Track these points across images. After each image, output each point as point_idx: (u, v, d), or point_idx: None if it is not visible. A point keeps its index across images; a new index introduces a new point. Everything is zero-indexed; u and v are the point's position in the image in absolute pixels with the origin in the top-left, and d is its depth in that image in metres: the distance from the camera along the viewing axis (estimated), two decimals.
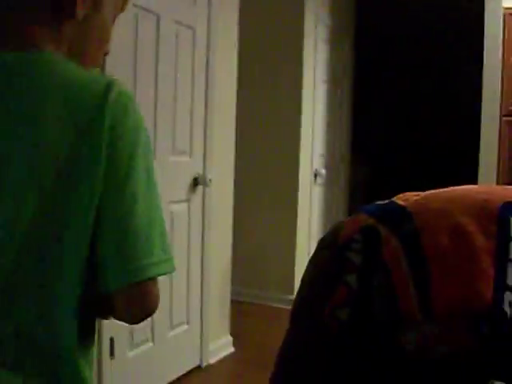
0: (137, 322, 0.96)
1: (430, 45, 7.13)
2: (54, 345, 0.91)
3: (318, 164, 4.88)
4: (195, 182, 3.12)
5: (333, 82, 5.16)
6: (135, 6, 2.63)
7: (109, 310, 0.95)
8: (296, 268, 4.53)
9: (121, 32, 2.53)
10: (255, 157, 4.55)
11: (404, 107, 7.43)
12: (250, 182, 4.51)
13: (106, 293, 0.90)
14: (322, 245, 1.04)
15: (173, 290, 2.99)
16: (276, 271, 4.59)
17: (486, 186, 1.07)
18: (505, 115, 4.65)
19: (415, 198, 1.05)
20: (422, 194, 1.05)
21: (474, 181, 4.74)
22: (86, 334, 0.95)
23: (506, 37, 4.66)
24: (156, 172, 0.95)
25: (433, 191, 1.06)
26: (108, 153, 0.87)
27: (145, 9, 2.70)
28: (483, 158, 4.67)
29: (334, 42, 5.12)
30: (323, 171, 4.89)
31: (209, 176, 3.17)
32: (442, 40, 6.97)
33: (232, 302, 3.66)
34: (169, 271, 0.93)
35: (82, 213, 0.87)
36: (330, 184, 5.18)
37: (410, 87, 7.43)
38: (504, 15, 4.67)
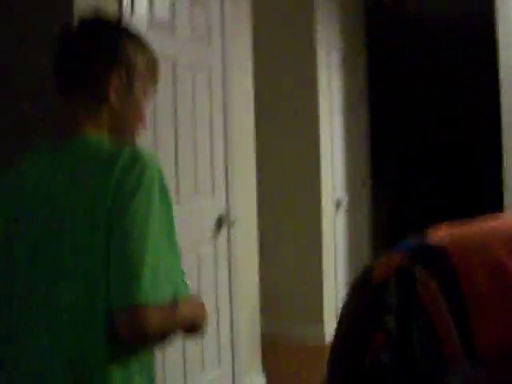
0: (132, 342, 1.13)
1: (444, 59, 7.12)
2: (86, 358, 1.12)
3: (340, 192, 4.86)
4: (219, 222, 3.12)
5: (348, 107, 5.16)
6: None
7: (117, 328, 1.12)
8: (324, 297, 4.48)
9: None
10: (277, 189, 4.54)
11: (422, 127, 7.39)
12: (273, 215, 4.50)
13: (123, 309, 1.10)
14: (355, 287, 1.02)
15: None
16: (304, 302, 4.54)
17: None
18: None
19: (450, 232, 1.02)
20: (457, 228, 1.01)
21: (500, 200, 4.66)
22: (118, 348, 1.14)
23: None
24: (173, 215, 1.19)
25: (470, 223, 1.03)
26: (114, 201, 1.11)
27: (160, 53, 2.74)
28: (507, 172, 4.61)
29: (347, 67, 5.14)
30: (345, 199, 4.86)
31: (233, 215, 3.17)
32: (456, 53, 6.96)
33: (262, 335, 3.62)
34: (157, 301, 1.09)
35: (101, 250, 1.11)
36: (352, 211, 5.15)
37: (426, 107, 7.40)
38: None
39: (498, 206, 4.69)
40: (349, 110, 5.16)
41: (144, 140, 2.62)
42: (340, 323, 0.96)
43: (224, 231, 3.17)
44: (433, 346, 0.83)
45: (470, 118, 7.06)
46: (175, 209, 2.51)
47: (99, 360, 1.12)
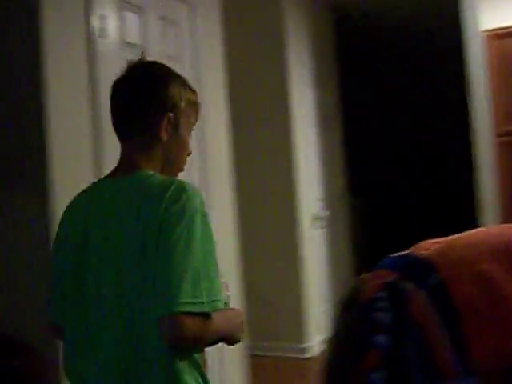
0: (174, 347, 1.28)
1: (414, 74, 7.22)
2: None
3: (317, 208, 4.87)
4: None
5: (323, 124, 5.19)
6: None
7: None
8: (305, 311, 4.47)
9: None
10: (253, 207, 4.53)
11: (395, 140, 7.46)
12: (251, 234, 4.47)
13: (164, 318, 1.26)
14: (344, 305, 1.00)
15: None
16: (284, 317, 4.51)
17: (503, 227, 1.02)
18: (497, 136, 4.67)
19: (435, 246, 1.01)
20: (441, 241, 1.01)
21: (474, 209, 4.71)
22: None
23: (488, 58, 4.73)
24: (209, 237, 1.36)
25: (451, 238, 1.02)
26: (161, 224, 1.29)
27: None
28: (481, 183, 4.67)
29: (319, 84, 5.17)
30: (322, 214, 4.87)
31: None
32: (426, 68, 7.06)
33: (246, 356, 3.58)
34: (194, 311, 1.25)
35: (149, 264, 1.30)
36: (330, 226, 5.15)
37: (399, 121, 7.48)
38: (484, 37, 4.74)
39: (472, 217, 4.74)
40: (323, 125, 5.19)
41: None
42: (331, 343, 0.94)
43: None
44: (427, 360, 0.82)
45: (443, 132, 7.15)
46: None
47: (151, 361, 1.30)
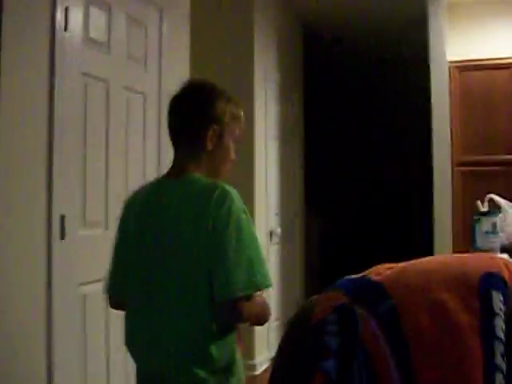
0: (233, 323, 1.62)
1: (379, 97, 7.30)
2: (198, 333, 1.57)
3: (273, 223, 4.84)
4: None
5: (284, 138, 5.18)
6: (84, 74, 2.57)
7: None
8: (253, 331, 4.41)
9: (70, 100, 2.48)
10: None
11: (354, 158, 7.52)
12: None
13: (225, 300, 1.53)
14: (294, 325, 0.96)
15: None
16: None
17: (460, 256, 1.01)
18: (457, 165, 4.74)
19: (389, 271, 0.99)
20: (395, 266, 0.99)
21: (429, 228, 4.76)
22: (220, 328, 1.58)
23: (452, 89, 4.81)
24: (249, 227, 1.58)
25: (405, 264, 1.00)
26: (212, 224, 1.53)
27: (94, 77, 2.66)
28: (437, 208, 4.72)
29: (283, 99, 5.17)
30: (278, 230, 4.84)
31: None
32: (391, 93, 7.15)
33: None
34: (249, 293, 1.53)
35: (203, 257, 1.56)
36: (286, 241, 5.13)
37: (360, 141, 7.55)
38: (449, 68, 4.82)
39: (427, 242, 4.78)
40: (284, 139, 5.18)
41: (74, 166, 2.52)
42: (278, 363, 0.90)
43: None
44: None
45: (404, 156, 7.24)
46: (104, 235, 2.42)
47: (204, 333, 1.56)
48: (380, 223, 7.35)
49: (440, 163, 4.72)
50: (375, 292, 0.88)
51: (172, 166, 1.73)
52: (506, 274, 0.97)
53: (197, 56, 3.66)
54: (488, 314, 0.81)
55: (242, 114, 1.77)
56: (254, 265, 1.54)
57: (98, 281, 2.48)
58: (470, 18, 5.39)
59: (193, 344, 1.58)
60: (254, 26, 4.58)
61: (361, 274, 0.95)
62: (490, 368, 0.77)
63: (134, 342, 1.69)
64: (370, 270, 0.95)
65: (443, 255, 1.18)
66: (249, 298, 1.54)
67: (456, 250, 4.56)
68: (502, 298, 0.81)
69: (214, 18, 4.52)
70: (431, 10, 4.85)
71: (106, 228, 2.67)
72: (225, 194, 1.57)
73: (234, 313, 1.54)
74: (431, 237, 4.72)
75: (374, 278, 0.92)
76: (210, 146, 1.67)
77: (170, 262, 1.61)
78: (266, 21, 4.89)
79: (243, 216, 1.58)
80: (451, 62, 4.91)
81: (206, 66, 4.32)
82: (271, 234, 4.73)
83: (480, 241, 3.60)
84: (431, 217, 4.76)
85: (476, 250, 3.56)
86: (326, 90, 7.06)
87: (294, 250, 5.45)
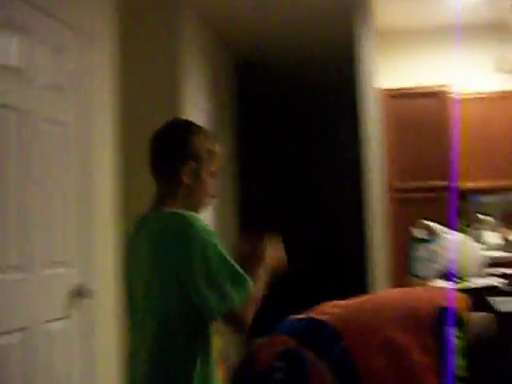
0: (237, 329, 1.54)
1: (314, 122, 7.33)
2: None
3: None
4: (75, 294, 2.77)
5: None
6: (2, 106, 2.36)
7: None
8: None
9: None
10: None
11: (293, 193, 7.48)
12: None
13: (212, 320, 1.64)
14: (238, 373, 0.93)
15: None
16: None
17: (410, 290, 0.99)
18: (390, 192, 4.75)
19: (337, 310, 0.93)
20: (341, 305, 0.93)
21: (364, 265, 4.72)
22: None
23: (384, 117, 4.84)
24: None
25: (352, 302, 0.94)
26: (180, 256, 1.63)
27: (9, 101, 2.43)
28: (372, 239, 4.69)
29: (216, 129, 5.06)
30: None
31: (90, 286, 2.85)
32: (326, 122, 7.19)
33: None
34: (242, 300, 1.58)
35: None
36: None
37: (298, 171, 7.53)
38: (380, 96, 4.85)
39: (362, 273, 4.74)
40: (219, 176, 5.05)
41: None
42: None
43: (80, 304, 2.82)
44: None
45: (338, 185, 7.25)
46: (20, 277, 2.19)
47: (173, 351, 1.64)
48: (315, 257, 7.31)
49: (373, 191, 4.70)
50: (324, 333, 0.85)
51: (153, 200, 1.82)
52: (459, 306, 0.94)
53: (123, 84, 3.50)
54: (443, 351, 0.81)
55: (219, 150, 1.86)
56: (234, 277, 1.63)
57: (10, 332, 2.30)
58: (400, 45, 5.49)
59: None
60: (185, 54, 4.47)
61: (305, 314, 0.91)
62: None
63: None
64: (314, 308, 0.90)
65: (394, 290, 1.18)
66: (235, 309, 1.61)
67: (392, 277, 4.54)
68: (457, 333, 0.82)
69: (142, 46, 4.36)
70: (359, 37, 4.88)
71: (24, 271, 2.44)
72: (182, 224, 1.65)
73: (231, 323, 1.61)
74: (366, 268, 4.68)
75: (321, 317, 0.88)
76: (186, 180, 1.76)
77: (143, 295, 1.74)
78: (197, 50, 4.80)
79: (204, 240, 1.64)
80: (382, 89, 4.95)
81: (133, 96, 4.16)
82: None
83: (418, 268, 3.57)
84: (366, 247, 4.73)
85: (414, 277, 3.53)
86: (260, 117, 7.02)
87: None
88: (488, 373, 1.01)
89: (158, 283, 1.67)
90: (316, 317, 0.89)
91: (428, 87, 4.99)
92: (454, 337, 0.83)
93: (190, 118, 4.81)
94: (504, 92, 5.06)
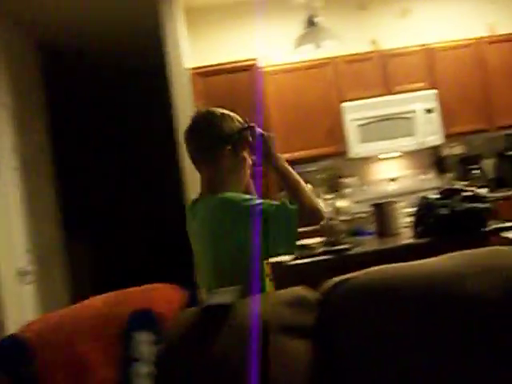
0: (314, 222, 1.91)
1: (125, 113, 7.17)
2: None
3: (24, 260, 4.37)
4: None
5: (27, 168, 4.71)
6: None
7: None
8: None
9: None
10: None
11: (112, 184, 7.27)
12: None
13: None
14: None
15: None
16: None
17: (109, 295, 0.89)
18: None
19: (34, 325, 0.81)
20: (42, 319, 0.89)
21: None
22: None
23: (195, 95, 4.76)
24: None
25: (51, 315, 0.88)
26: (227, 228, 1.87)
27: None
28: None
29: (22, 126, 4.70)
30: (29, 268, 4.38)
31: None
32: (139, 106, 7.03)
33: None
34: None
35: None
36: (43, 279, 4.68)
37: (114, 162, 7.33)
38: (191, 75, 4.77)
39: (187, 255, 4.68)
40: (28, 170, 4.72)
41: None
42: None
43: None
44: None
45: (157, 168, 7.15)
46: None
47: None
48: (149, 240, 7.19)
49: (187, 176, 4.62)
50: (19, 353, 0.78)
51: (202, 188, 1.99)
52: (160, 309, 0.88)
53: None
54: (128, 361, 0.74)
55: (250, 123, 1.99)
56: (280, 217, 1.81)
57: None
58: (209, 22, 5.44)
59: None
60: None
61: (16, 332, 0.84)
62: None
63: None
64: (26, 325, 0.84)
65: (95, 297, 1.06)
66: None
67: None
68: (150, 338, 0.74)
69: None
70: (165, 17, 4.74)
71: None
72: (219, 202, 1.85)
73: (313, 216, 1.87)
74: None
75: (25, 334, 0.80)
76: (228, 164, 1.93)
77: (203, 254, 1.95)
78: None
79: (246, 217, 1.78)
80: (193, 68, 4.86)
81: None
82: (22, 273, 4.26)
83: None
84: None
85: None
86: (73, 108, 6.71)
87: (57, 286, 5.02)
88: (187, 375, 0.92)
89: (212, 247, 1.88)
90: (19, 334, 0.79)
91: (236, 62, 4.97)
92: (144, 343, 0.73)
93: None
94: (312, 60, 5.15)
